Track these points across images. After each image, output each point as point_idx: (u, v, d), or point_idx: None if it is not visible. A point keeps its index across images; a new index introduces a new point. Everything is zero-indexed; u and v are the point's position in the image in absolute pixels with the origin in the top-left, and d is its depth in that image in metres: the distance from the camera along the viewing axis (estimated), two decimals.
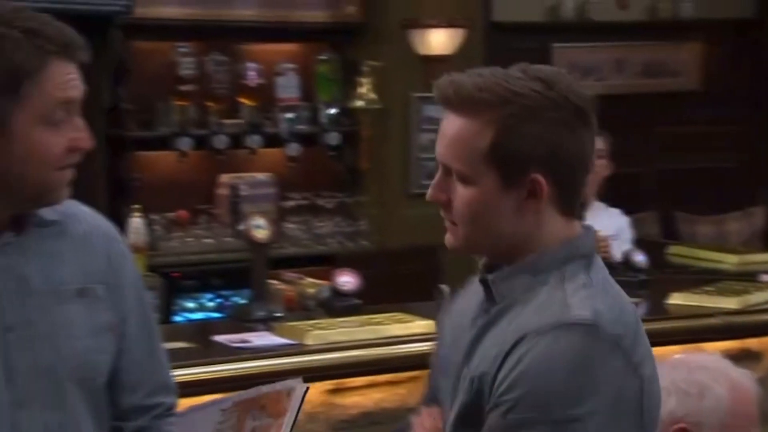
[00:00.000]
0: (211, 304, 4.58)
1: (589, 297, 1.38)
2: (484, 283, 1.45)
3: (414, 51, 5.10)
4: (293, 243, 4.82)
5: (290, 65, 4.99)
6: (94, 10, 4.30)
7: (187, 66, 4.74)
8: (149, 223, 4.16)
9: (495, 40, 5.47)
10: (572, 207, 1.43)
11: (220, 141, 4.81)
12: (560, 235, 1.42)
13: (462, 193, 1.41)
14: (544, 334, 1.34)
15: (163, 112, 4.75)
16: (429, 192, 1.46)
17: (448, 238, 1.46)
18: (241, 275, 3.58)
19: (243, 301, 3.77)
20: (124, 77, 4.64)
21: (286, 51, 5.18)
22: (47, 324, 1.48)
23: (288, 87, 4.97)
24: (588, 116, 1.42)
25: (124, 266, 1.59)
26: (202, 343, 2.91)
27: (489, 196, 1.39)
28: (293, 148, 4.95)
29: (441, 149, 1.44)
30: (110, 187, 4.67)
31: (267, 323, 3.07)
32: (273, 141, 4.96)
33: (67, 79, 1.45)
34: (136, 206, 3.25)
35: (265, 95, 4.95)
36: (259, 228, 3.11)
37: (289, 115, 4.96)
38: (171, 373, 1.66)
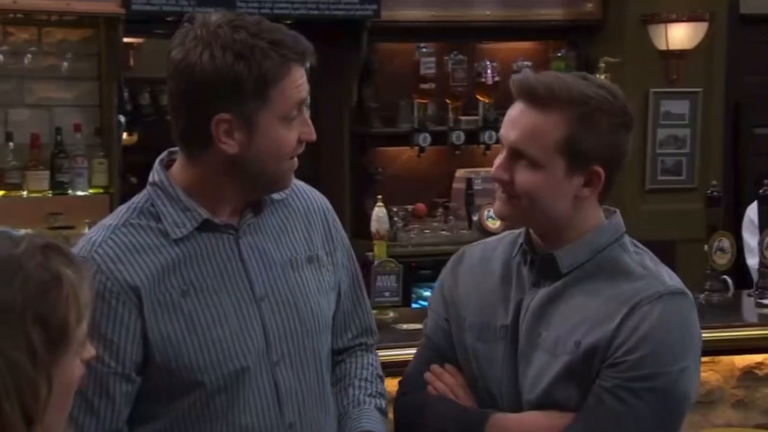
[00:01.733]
0: None
1: (664, 268, 1.68)
2: (543, 258, 1.67)
3: (653, 46, 5.06)
4: None
5: (526, 62, 5.06)
6: (349, 16, 4.61)
7: (427, 65, 4.91)
8: (390, 215, 4.39)
9: (741, 34, 5.31)
10: (606, 198, 1.69)
11: (457, 137, 4.99)
12: (597, 219, 1.69)
13: (529, 175, 1.63)
14: (655, 302, 1.61)
15: (404, 110, 4.98)
16: (493, 171, 1.67)
17: (500, 208, 1.67)
18: None
19: None
20: (370, 77, 4.92)
21: (522, 49, 5.27)
22: (287, 290, 1.67)
23: None
24: (633, 125, 1.67)
25: (337, 232, 1.79)
26: None
27: (553, 181, 1.63)
28: None
29: (515, 136, 1.64)
30: (354, 180, 4.97)
31: None
32: None
33: (301, 82, 1.61)
34: (379, 197, 3.46)
35: (501, 92, 5.07)
36: (492, 218, 3.24)
37: None
38: (373, 318, 1.88)
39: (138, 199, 1.67)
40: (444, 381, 1.75)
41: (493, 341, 1.70)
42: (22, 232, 1.23)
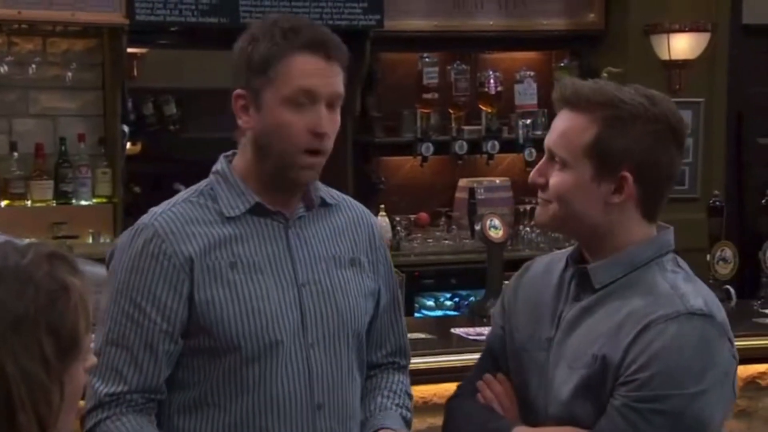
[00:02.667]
0: (448, 302, 4.76)
1: (695, 289, 1.63)
2: (580, 271, 1.65)
3: (655, 56, 5.06)
4: (529, 246, 4.92)
5: (529, 72, 5.08)
6: (352, 26, 4.63)
7: (430, 75, 4.92)
8: (392, 224, 4.40)
9: (743, 44, 5.31)
10: (653, 212, 1.63)
11: (460, 146, 5.00)
12: (643, 235, 1.65)
13: (559, 176, 1.64)
14: (671, 321, 1.57)
15: (407, 119, 4.99)
16: (531, 175, 1.70)
17: (538, 212, 1.69)
18: (477, 276, 3.71)
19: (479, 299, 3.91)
20: (373, 86, 4.93)
21: (525, 59, 5.28)
22: (329, 283, 1.77)
23: (526, 94, 5.06)
24: (681, 137, 1.61)
25: (380, 246, 1.88)
26: (442, 335, 3.09)
27: (581, 184, 1.63)
28: (530, 154, 5.05)
29: (552, 138, 1.67)
30: (357, 189, 4.97)
31: None
32: (510, 146, 5.08)
33: (311, 71, 1.69)
34: (382, 206, 3.47)
35: (504, 102, 5.08)
36: (495, 228, 3.24)
37: (527, 121, 5.07)
38: (408, 341, 1.93)
39: (200, 184, 1.80)
40: (493, 389, 1.76)
41: (537, 352, 1.70)
42: (26, 241, 1.24)
